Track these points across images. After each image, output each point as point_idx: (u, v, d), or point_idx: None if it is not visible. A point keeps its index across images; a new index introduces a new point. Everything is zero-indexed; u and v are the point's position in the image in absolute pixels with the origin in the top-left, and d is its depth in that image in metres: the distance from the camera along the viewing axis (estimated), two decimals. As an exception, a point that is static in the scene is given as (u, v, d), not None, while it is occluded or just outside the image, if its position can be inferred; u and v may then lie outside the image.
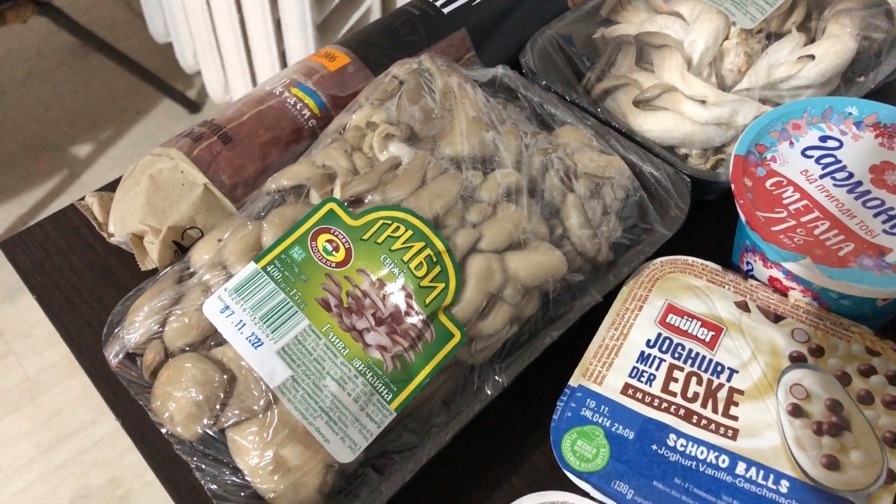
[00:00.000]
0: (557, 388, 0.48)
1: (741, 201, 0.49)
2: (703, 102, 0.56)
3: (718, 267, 0.52)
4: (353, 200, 0.49)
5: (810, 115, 0.53)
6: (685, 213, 0.53)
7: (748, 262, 0.52)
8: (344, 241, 0.47)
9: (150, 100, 1.96)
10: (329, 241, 0.47)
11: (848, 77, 0.61)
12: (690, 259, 0.52)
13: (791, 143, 0.52)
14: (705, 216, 0.56)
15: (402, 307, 0.46)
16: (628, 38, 0.61)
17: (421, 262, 0.46)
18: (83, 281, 0.59)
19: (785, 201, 0.49)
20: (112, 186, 0.62)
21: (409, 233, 0.47)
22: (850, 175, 0.50)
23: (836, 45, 0.58)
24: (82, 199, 0.61)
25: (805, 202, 0.49)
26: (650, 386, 0.47)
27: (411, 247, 0.47)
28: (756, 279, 0.51)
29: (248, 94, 0.60)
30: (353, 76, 0.60)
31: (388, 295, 0.46)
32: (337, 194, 0.50)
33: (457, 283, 0.47)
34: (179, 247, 0.54)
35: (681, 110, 0.56)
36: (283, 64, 1.57)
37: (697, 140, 0.57)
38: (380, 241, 0.47)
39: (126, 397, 0.51)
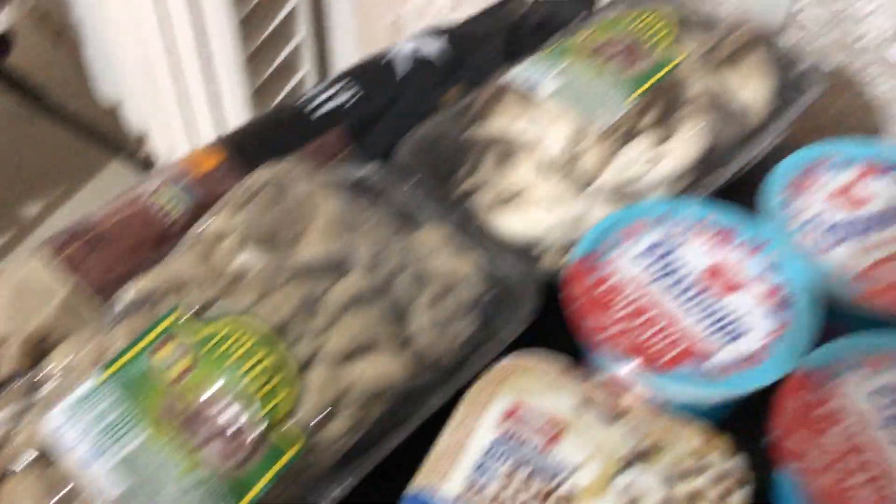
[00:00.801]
0: (403, 492, 0.49)
1: (572, 308, 0.51)
2: (557, 201, 0.59)
3: (564, 364, 0.53)
4: (200, 309, 0.50)
5: (648, 219, 0.55)
6: (533, 311, 0.55)
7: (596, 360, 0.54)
8: (186, 352, 0.49)
9: (100, 160, 1.98)
10: (172, 352, 0.49)
11: (705, 170, 0.63)
12: (537, 357, 0.54)
13: (628, 247, 0.54)
14: (560, 317, 0.58)
15: (240, 418, 0.47)
16: (493, 139, 0.63)
17: (260, 373, 0.48)
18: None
19: (616, 306, 0.51)
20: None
21: (250, 342, 0.48)
22: (682, 278, 0.53)
23: (684, 146, 0.60)
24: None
25: (635, 305, 0.51)
26: (488, 488, 0.48)
27: (251, 356, 0.48)
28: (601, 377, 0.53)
29: (119, 197, 0.62)
30: (226, 177, 0.62)
31: (226, 407, 0.47)
32: (186, 302, 0.52)
33: (297, 393, 0.48)
34: (42, 353, 0.55)
35: (534, 210, 0.59)
36: (224, 128, 1.60)
37: (553, 238, 0.59)
38: (220, 352, 0.49)
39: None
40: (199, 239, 0.55)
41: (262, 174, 0.58)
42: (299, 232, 0.55)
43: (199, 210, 0.61)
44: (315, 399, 0.48)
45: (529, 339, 0.55)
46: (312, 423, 0.48)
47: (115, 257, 0.58)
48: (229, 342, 0.49)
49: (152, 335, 0.49)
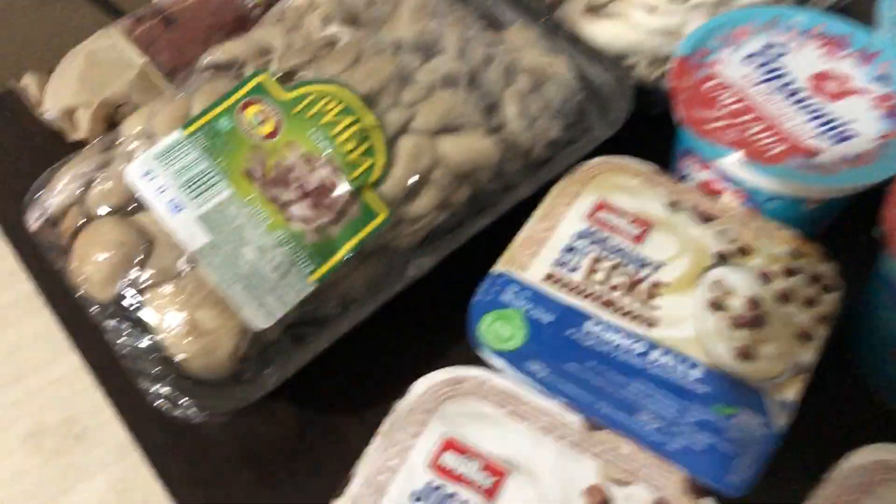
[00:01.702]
0: (482, 276, 0.48)
1: (679, 99, 0.49)
2: (654, 10, 0.56)
3: (653, 168, 0.51)
4: (285, 75, 0.48)
5: (756, 22, 0.53)
6: (624, 116, 0.53)
7: (684, 169, 0.52)
8: (273, 113, 0.47)
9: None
10: (258, 112, 0.47)
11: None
12: (626, 159, 0.52)
13: (734, 49, 0.52)
14: (647, 131, 0.56)
15: (328, 181, 0.45)
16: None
17: (349, 137, 0.46)
18: (15, 162, 0.59)
19: (721, 102, 0.49)
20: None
21: (340, 107, 0.47)
22: (790, 82, 0.50)
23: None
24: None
25: (742, 104, 0.49)
26: (573, 274, 0.47)
27: (341, 121, 0.46)
28: (690, 184, 0.51)
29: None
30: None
31: (315, 168, 0.46)
32: (273, 68, 0.49)
33: (385, 161, 0.46)
34: (113, 125, 0.53)
35: (630, 18, 0.56)
36: None
37: (645, 48, 0.56)
38: (309, 115, 0.47)
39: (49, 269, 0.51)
40: (285, 12, 0.52)
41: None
42: (387, 13, 0.52)
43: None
44: (404, 168, 0.46)
45: (619, 147, 0.53)
46: (400, 193, 0.46)
47: (190, 37, 0.56)
48: (319, 105, 0.47)
49: (238, 94, 0.47)
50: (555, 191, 0.51)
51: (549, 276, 0.47)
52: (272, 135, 0.46)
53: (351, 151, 0.46)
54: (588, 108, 0.53)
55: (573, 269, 0.47)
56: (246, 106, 0.47)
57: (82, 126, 0.52)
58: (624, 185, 0.51)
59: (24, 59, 0.57)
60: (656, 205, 0.50)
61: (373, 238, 0.46)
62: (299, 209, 0.45)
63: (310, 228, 0.45)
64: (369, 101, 0.47)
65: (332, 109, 0.46)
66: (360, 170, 0.46)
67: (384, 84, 0.47)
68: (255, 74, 0.48)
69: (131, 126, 0.49)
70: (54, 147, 0.58)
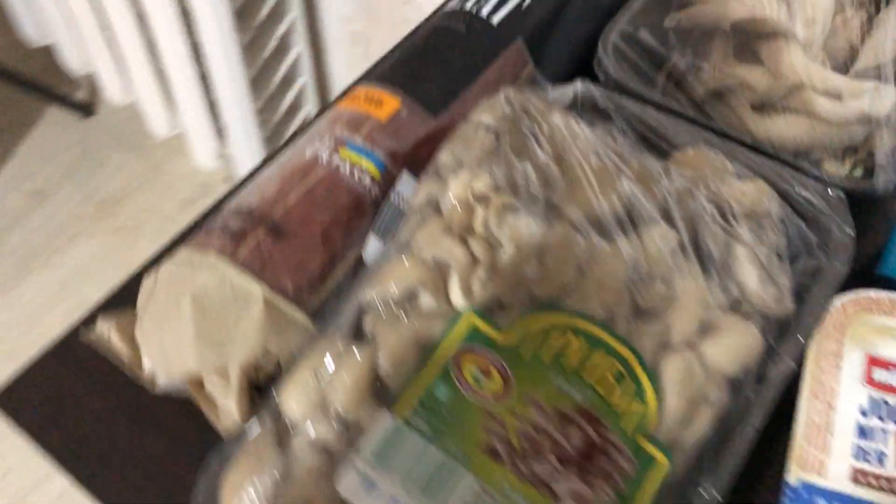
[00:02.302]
0: (769, 483, 0.40)
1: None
2: (839, 97, 0.48)
3: (907, 296, 0.44)
4: (486, 311, 0.38)
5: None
6: (852, 238, 0.44)
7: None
8: (497, 364, 0.37)
9: (33, 110, 1.76)
10: (478, 367, 0.37)
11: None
12: (873, 293, 0.44)
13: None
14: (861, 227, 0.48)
15: (593, 439, 0.36)
16: (720, 25, 0.51)
17: (607, 378, 0.37)
18: (114, 431, 0.47)
19: None
20: (119, 300, 0.49)
21: (582, 342, 0.37)
22: None
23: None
24: (86, 322, 0.48)
25: None
26: (883, 467, 0.39)
27: (590, 359, 0.37)
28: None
29: (281, 163, 0.48)
30: (409, 122, 0.49)
31: (570, 425, 0.36)
32: (456, 297, 0.39)
33: (655, 397, 0.37)
34: (256, 388, 0.43)
35: (813, 110, 0.48)
36: (197, 56, 1.40)
37: (836, 142, 0.48)
38: (546, 358, 0.37)
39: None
40: (435, 209, 0.42)
41: (488, 117, 0.45)
42: (563, 184, 0.42)
43: (390, 168, 0.48)
44: (676, 398, 0.37)
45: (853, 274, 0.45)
46: (676, 428, 0.37)
47: (308, 246, 0.45)
48: (553, 346, 0.37)
49: (446, 349, 0.37)
50: (811, 355, 0.42)
51: (856, 476, 0.39)
52: (504, 393, 0.36)
53: (611, 394, 0.36)
54: (807, 237, 0.44)
55: (880, 460, 0.39)
56: (461, 361, 0.37)
57: (229, 409, 0.41)
58: (885, 329, 0.43)
59: None
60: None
61: (660, 493, 0.37)
62: (566, 484, 0.35)
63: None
64: (609, 322, 0.38)
65: (573, 346, 0.37)
66: (630, 416, 0.36)
67: (622, 296, 0.38)
68: (460, 316, 0.37)
69: (295, 399, 0.39)
70: (163, 408, 0.47)
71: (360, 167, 0.47)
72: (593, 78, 0.52)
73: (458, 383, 0.36)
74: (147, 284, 0.46)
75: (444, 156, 0.45)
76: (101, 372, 0.48)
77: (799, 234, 0.45)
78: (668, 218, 0.42)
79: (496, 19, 0.53)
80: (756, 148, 0.48)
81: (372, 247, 0.46)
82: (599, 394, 0.36)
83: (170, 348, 0.43)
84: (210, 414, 0.42)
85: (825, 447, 0.40)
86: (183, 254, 0.45)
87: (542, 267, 0.38)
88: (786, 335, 0.42)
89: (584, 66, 0.54)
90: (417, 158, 0.48)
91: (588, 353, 0.37)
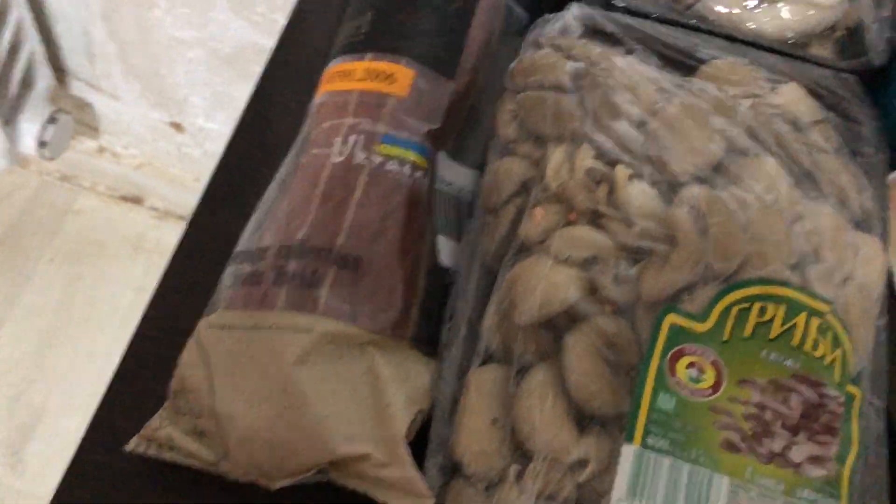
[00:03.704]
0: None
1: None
2: (825, -20, 0.48)
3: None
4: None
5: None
6: (879, 119, 0.46)
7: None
8: (708, 355, 0.34)
9: None
10: (692, 364, 0.34)
11: None
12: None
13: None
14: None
15: (813, 399, 0.35)
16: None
17: (811, 335, 0.35)
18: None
19: None
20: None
21: (780, 308, 0.35)
22: None
23: None
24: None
25: None
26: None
27: (794, 325, 0.35)
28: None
29: (296, 178, 0.38)
30: (431, 92, 0.41)
31: (791, 393, 0.35)
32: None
33: (848, 338, 0.36)
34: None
35: (808, -2, 0.47)
36: None
37: (824, 24, 0.48)
38: (748, 333, 0.35)
39: None
40: (533, 193, 0.37)
41: (540, 77, 0.39)
42: (667, 133, 0.38)
43: (432, 148, 0.40)
44: (859, 327, 0.37)
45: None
46: (863, 355, 0.37)
47: (386, 267, 0.37)
48: (750, 321, 0.35)
49: (655, 357, 0.33)
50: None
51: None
52: (717, 384, 0.34)
53: (818, 349, 0.35)
54: (852, 132, 0.45)
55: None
56: (672, 365, 0.33)
57: (411, 482, 0.33)
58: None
59: None
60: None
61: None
62: (801, 450, 0.34)
63: (827, 463, 0.35)
64: (792, 278, 0.36)
65: (771, 315, 0.35)
66: (837, 368, 0.36)
67: (787, 246, 0.36)
68: (663, 315, 0.34)
69: (476, 449, 0.33)
70: None
71: (405, 160, 0.39)
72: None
73: (678, 388, 0.33)
74: (190, 367, 0.36)
75: (508, 130, 0.39)
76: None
77: (840, 129, 0.45)
78: (763, 147, 0.40)
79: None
80: (766, 47, 0.47)
81: (445, 249, 0.40)
82: (808, 353, 0.35)
83: (281, 435, 0.34)
84: (378, 494, 0.34)
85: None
86: (232, 316, 0.36)
87: (709, 239, 0.35)
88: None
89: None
90: (443, 133, 0.41)
91: (786, 316, 0.35)
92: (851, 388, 0.36)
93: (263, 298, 0.36)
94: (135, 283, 1.44)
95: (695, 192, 0.36)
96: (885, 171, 0.44)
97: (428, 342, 0.37)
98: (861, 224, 0.41)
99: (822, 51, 0.49)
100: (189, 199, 1.56)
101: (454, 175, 0.41)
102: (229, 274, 0.38)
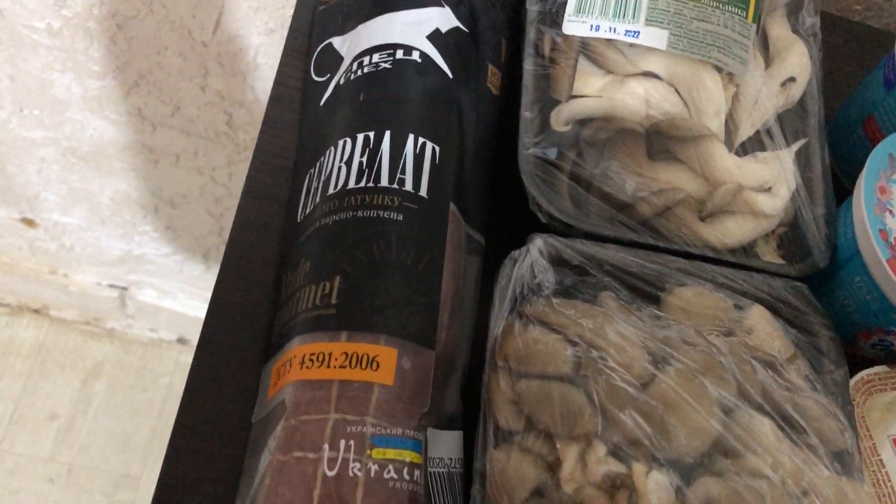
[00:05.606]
0: None
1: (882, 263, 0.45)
2: (769, 189, 0.48)
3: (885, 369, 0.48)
4: None
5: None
6: (834, 329, 0.47)
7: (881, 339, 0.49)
8: None
9: None
10: None
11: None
12: (875, 370, 0.47)
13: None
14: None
15: None
16: (628, 125, 0.48)
17: None
18: None
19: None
20: None
21: None
22: None
23: (800, 55, 0.52)
24: None
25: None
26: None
27: None
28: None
29: (306, 501, 0.35)
30: (415, 370, 0.38)
31: None
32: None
33: None
34: None
35: (757, 208, 0.48)
36: None
37: (766, 232, 0.49)
38: None
39: None
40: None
41: (539, 369, 0.37)
42: (670, 414, 0.38)
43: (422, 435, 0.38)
44: None
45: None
46: None
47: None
48: None
49: None
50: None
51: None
52: None
53: None
54: (811, 346, 0.46)
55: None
56: None
57: None
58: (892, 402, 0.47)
59: None
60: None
61: None
62: None
63: None
64: None
65: None
66: None
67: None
68: None
69: None
70: None
71: (401, 462, 0.36)
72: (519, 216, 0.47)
73: None
74: None
75: (508, 418, 0.37)
76: None
77: (803, 346, 0.46)
78: (753, 407, 0.40)
79: (423, 190, 0.43)
80: (723, 261, 0.47)
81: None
82: None
83: None
84: None
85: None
86: None
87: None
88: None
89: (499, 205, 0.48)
90: (432, 410, 0.39)
91: None
92: None
93: None
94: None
95: (711, 488, 0.35)
96: (846, 386, 0.46)
97: None
98: (846, 466, 0.41)
99: (767, 248, 0.50)
100: (44, 291, 1.44)
101: (443, 448, 0.39)
102: None
